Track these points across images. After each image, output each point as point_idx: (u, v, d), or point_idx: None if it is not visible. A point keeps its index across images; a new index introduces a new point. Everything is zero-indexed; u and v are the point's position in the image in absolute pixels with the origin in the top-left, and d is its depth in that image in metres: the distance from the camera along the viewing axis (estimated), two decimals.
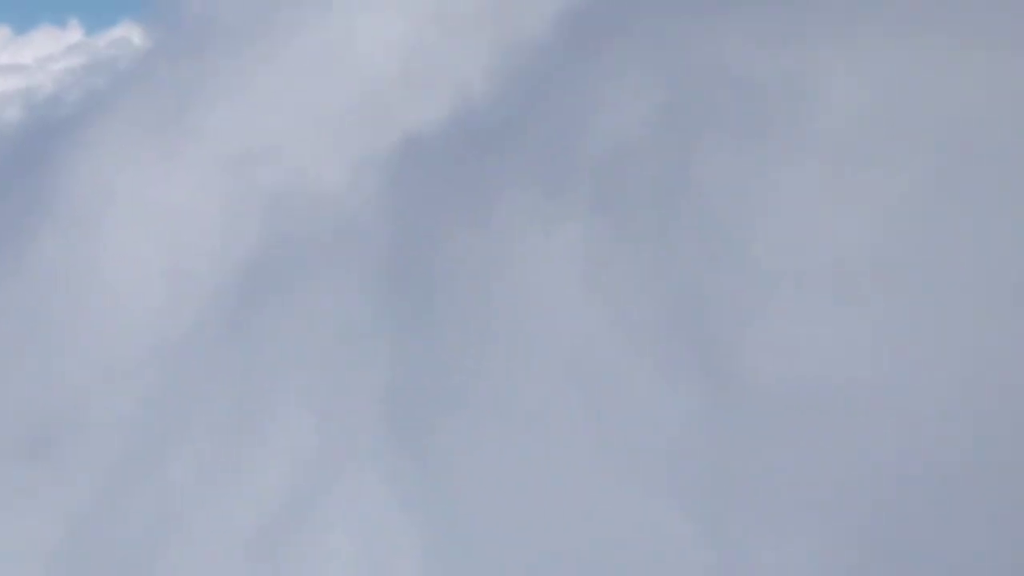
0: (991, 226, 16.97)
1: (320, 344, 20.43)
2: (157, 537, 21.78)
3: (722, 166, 17.01)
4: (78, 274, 27.24)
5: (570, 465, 17.08)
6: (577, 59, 19.04)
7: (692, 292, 16.84)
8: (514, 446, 17.31)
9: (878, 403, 16.39)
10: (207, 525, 21.21)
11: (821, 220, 16.80)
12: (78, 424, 24.51)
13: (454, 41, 22.35)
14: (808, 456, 16.38)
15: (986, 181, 17.09)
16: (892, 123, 17.19)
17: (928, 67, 17.38)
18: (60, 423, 24.93)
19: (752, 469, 16.50)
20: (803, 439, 16.41)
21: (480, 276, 18.16)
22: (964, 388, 16.24)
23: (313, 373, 20.40)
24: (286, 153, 25.56)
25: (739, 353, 16.46)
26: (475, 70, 20.71)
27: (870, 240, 16.78)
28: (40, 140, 33.28)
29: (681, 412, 16.64)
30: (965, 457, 16.03)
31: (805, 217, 16.80)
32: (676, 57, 18.02)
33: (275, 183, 25.07)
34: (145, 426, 23.75)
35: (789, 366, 16.41)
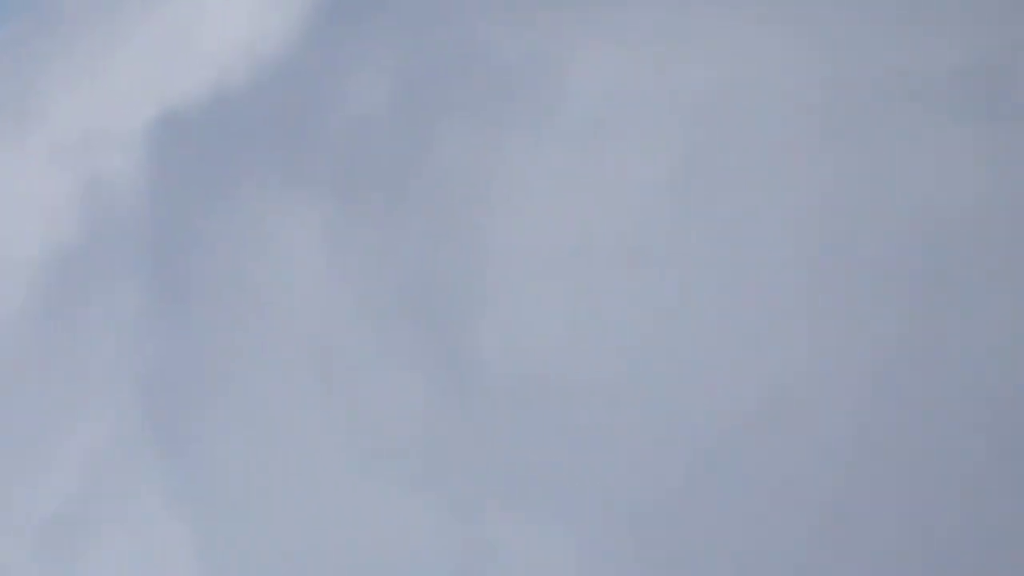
0: (746, 211, 16.70)
1: (103, 336, 20.25)
2: None
3: (462, 148, 16.70)
4: None
5: (318, 456, 16.92)
6: (327, 38, 18.78)
7: (430, 278, 16.59)
8: (263, 438, 17.13)
9: (621, 394, 16.20)
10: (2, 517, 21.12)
11: (563, 205, 16.49)
12: None
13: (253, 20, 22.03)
14: (547, 446, 16.19)
15: (741, 164, 16.83)
16: (643, 104, 16.85)
17: (681, 46, 17.07)
18: None
19: (494, 459, 16.32)
20: (544, 429, 16.22)
21: (230, 263, 17.95)
22: (711, 378, 16.04)
23: (100, 367, 20.24)
24: (114, 138, 25.33)
25: (475, 341, 16.23)
26: (241, 48, 20.46)
27: (615, 226, 16.47)
28: None
29: (423, 401, 16.44)
30: (712, 451, 15.86)
31: (547, 202, 16.49)
32: (418, 36, 17.73)
33: (98, 169, 24.85)
34: None
35: (526, 355, 16.19)
